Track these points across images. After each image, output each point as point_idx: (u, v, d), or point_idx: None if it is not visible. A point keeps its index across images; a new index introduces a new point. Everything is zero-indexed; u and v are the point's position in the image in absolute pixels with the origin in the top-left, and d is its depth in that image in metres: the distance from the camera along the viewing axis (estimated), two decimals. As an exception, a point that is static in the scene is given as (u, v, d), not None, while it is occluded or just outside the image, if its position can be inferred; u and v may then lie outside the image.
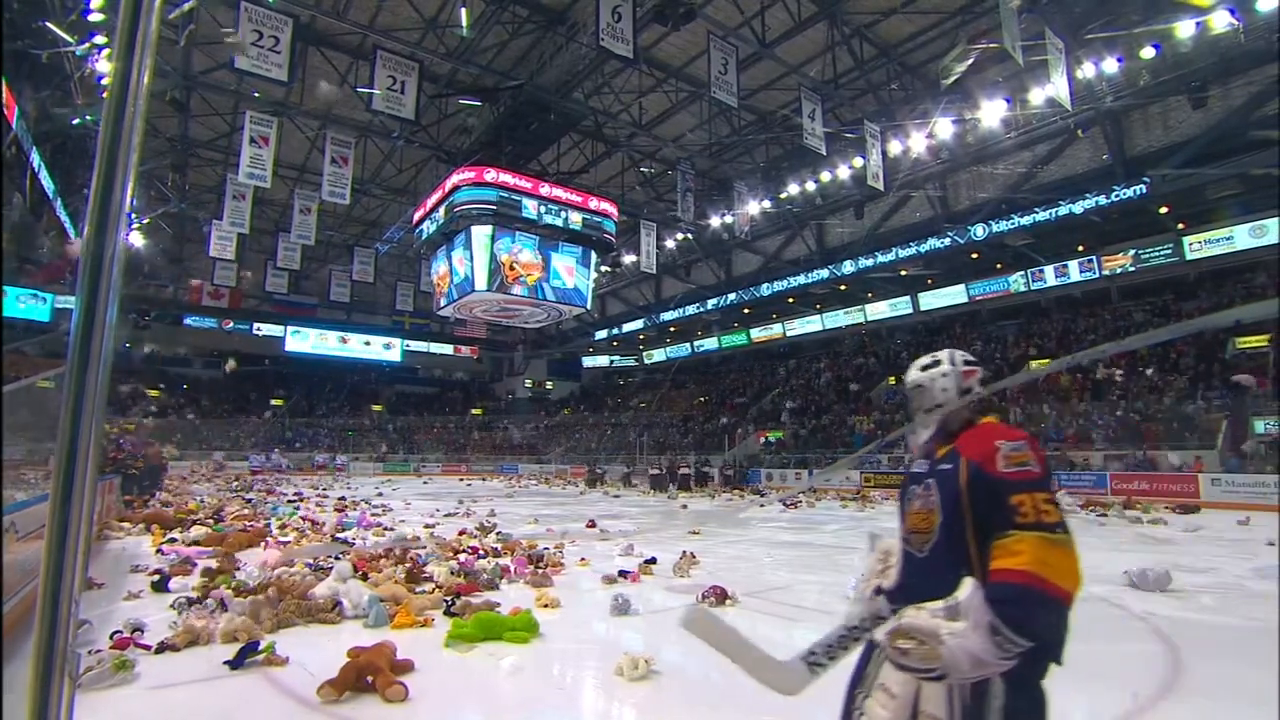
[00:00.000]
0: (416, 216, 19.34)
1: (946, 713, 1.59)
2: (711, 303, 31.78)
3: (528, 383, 46.34)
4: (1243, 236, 18.87)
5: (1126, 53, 16.16)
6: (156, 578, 6.11)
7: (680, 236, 29.30)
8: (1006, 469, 1.61)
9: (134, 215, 22.54)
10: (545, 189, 17.58)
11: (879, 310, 28.36)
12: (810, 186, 23.64)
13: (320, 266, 33.15)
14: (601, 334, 39.71)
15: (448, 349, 44.05)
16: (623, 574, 6.65)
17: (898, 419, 23.63)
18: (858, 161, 20.12)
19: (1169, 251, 20.28)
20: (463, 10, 15.02)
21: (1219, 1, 14.71)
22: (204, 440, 33.68)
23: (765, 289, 29.07)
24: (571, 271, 18.37)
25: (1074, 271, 22.22)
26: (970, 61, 15.65)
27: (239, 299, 36.55)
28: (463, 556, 7.30)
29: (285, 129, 19.03)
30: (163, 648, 4.08)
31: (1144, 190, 18.45)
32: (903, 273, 25.65)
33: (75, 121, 17.62)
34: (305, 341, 38.37)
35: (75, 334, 1.11)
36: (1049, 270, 22.76)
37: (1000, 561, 1.51)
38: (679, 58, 18.95)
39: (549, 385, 47.01)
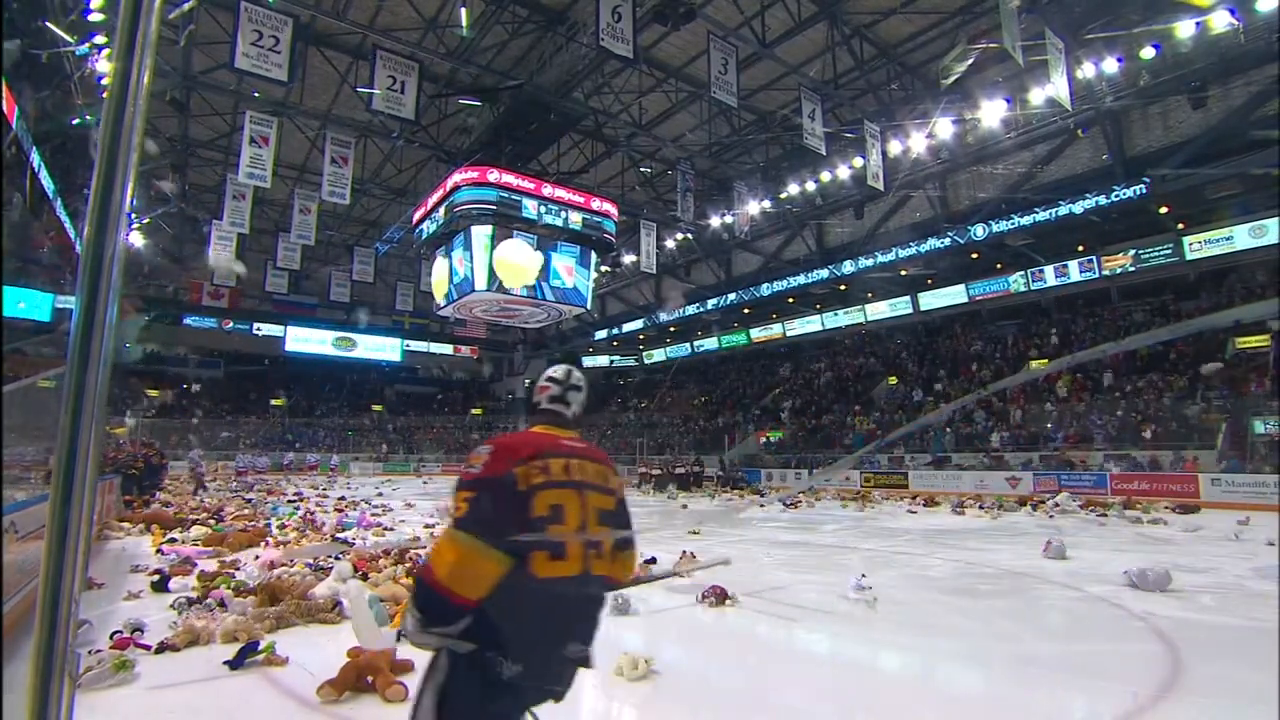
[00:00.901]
0: (416, 216, 19.33)
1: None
2: (711, 303, 31.77)
3: (528, 383, 46.34)
4: (1243, 236, 18.86)
5: (1126, 53, 16.16)
6: (156, 578, 6.11)
7: (680, 236, 29.30)
8: (461, 469, 1.73)
9: (134, 215, 22.54)
10: (548, 189, 17.57)
11: (879, 310, 28.35)
12: (810, 186, 23.64)
13: (320, 266, 33.16)
14: (601, 334, 39.72)
15: (448, 349, 44.06)
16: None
17: (898, 419, 23.63)
18: (858, 161, 20.11)
19: (1169, 251, 20.28)
20: (463, 10, 15.02)
21: (1219, 1, 14.71)
22: (205, 441, 33.69)
23: (765, 289, 29.06)
24: (571, 271, 18.35)
25: (1074, 271, 22.20)
26: (970, 61, 15.65)
27: (238, 299, 36.57)
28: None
29: (285, 129, 19.03)
30: (163, 648, 4.08)
31: (1144, 190, 18.44)
32: (903, 273, 25.65)
33: (75, 121, 17.61)
34: (307, 344, 38.51)
35: (75, 334, 1.11)
36: (1049, 270, 22.76)
37: None
38: (679, 58, 18.94)
39: (549, 385, 46.96)
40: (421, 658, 3.75)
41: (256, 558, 7.40)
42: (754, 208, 23.77)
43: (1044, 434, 19.98)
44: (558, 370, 1.99)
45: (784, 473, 24.23)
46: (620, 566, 1.84)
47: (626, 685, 3.57)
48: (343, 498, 16.69)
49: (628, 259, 28.68)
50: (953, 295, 25.73)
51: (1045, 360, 21.90)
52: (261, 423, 38.20)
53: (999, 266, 24.28)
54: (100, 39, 14.24)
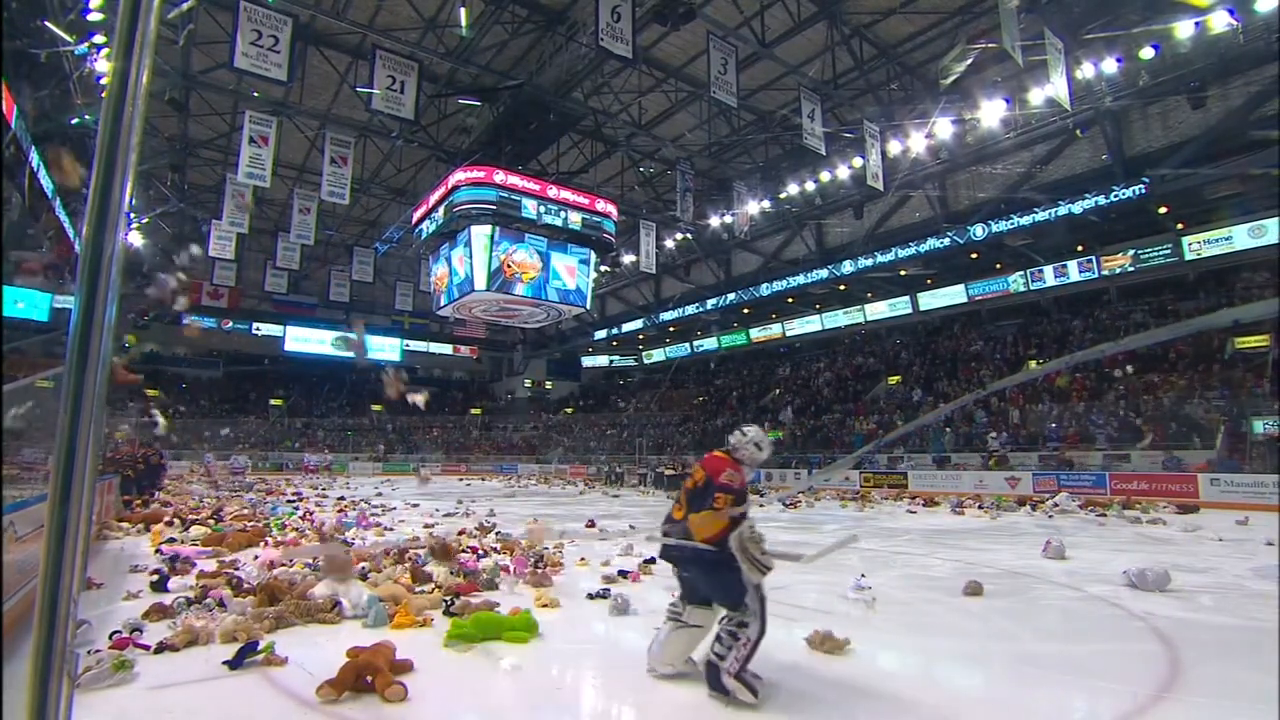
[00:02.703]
0: (416, 216, 19.34)
1: None
2: (711, 303, 31.78)
3: (527, 383, 46.33)
4: (1242, 236, 18.87)
5: (1126, 53, 16.17)
6: (156, 578, 6.10)
7: (680, 236, 29.29)
8: None
9: (133, 215, 22.52)
10: (552, 191, 17.56)
11: (878, 310, 28.35)
12: (810, 186, 23.64)
13: (320, 266, 33.14)
14: (601, 334, 39.72)
15: (447, 349, 44.05)
16: (622, 574, 6.65)
17: (897, 419, 23.63)
18: (857, 161, 20.11)
19: (1168, 251, 20.28)
20: (462, 10, 15.01)
21: (1218, 1, 14.71)
22: (204, 441, 33.68)
23: (765, 289, 29.06)
24: (572, 271, 18.37)
25: (1073, 271, 22.20)
26: (970, 61, 15.65)
27: (238, 299, 36.56)
28: (463, 556, 7.29)
29: (285, 129, 19.02)
30: (162, 648, 4.08)
31: (1143, 190, 18.44)
32: (902, 273, 25.65)
33: (75, 121, 17.59)
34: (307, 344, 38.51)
35: (74, 334, 1.11)
36: (1048, 270, 22.76)
37: None
38: (679, 58, 18.94)
39: (549, 385, 46.99)
40: (420, 658, 3.77)
41: (256, 558, 7.40)
42: (754, 208, 23.77)
43: (1044, 433, 19.97)
44: (746, 429, 3.95)
45: (784, 473, 24.21)
46: (695, 521, 3.45)
47: (626, 685, 3.57)
48: (342, 497, 16.68)
49: (627, 259, 28.68)
50: (952, 295, 25.73)
51: (1037, 362, 21.88)
52: (261, 422, 38.19)
53: (999, 266, 24.28)
54: (100, 39, 14.23)
